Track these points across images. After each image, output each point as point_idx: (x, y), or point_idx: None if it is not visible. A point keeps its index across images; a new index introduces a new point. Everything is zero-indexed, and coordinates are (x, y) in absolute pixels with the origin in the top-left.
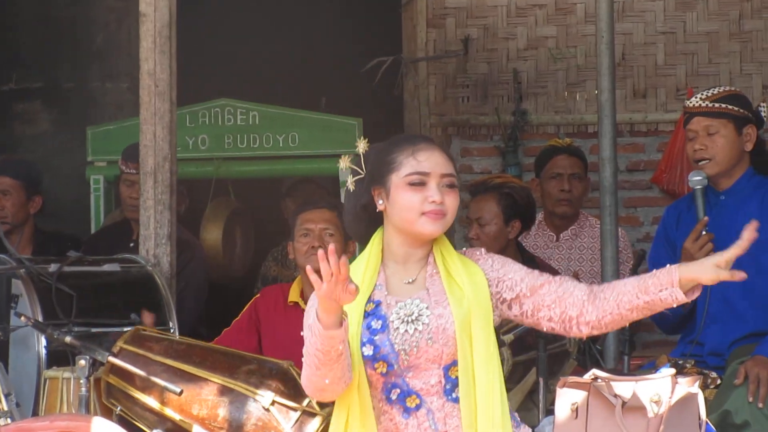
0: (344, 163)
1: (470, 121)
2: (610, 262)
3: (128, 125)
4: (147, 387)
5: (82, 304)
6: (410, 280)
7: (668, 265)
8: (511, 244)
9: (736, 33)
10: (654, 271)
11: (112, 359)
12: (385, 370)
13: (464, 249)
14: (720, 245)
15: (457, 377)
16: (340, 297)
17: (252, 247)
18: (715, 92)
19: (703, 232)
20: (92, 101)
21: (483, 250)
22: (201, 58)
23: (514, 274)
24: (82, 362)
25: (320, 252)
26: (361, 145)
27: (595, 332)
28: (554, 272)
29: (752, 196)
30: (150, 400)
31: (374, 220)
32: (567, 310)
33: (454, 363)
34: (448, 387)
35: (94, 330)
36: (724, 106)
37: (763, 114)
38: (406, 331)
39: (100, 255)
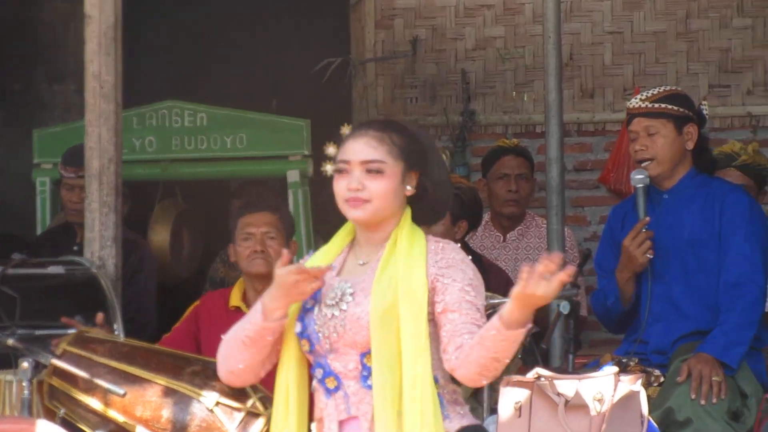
0: (332, 149)
1: (419, 122)
2: None
3: (75, 127)
4: (90, 389)
5: (26, 306)
6: (362, 263)
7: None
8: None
9: (683, 32)
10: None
11: (55, 361)
12: (308, 348)
13: (435, 238)
14: (661, 244)
15: (371, 365)
16: (295, 291)
17: (200, 249)
18: (654, 92)
19: (643, 230)
20: (39, 103)
21: (444, 243)
22: (148, 59)
23: (448, 281)
24: (25, 365)
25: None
26: (345, 130)
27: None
28: (501, 272)
29: (695, 195)
30: (93, 402)
31: None
32: (448, 347)
33: (370, 351)
34: (364, 374)
35: (38, 332)
36: (663, 105)
37: (704, 112)
38: (325, 314)
39: (44, 257)
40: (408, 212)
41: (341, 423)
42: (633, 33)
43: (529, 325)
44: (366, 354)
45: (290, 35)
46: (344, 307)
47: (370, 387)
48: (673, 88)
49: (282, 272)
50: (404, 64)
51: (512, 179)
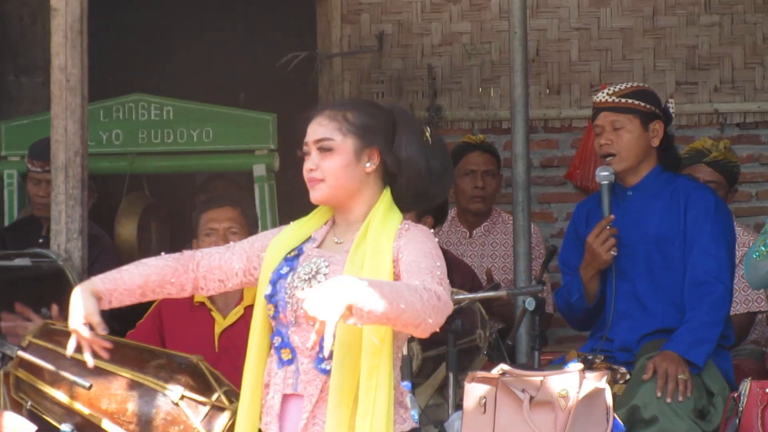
0: None
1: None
2: (523, 258)
3: (42, 120)
4: (56, 381)
5: None
6: (338, 241)
7: None
8: None
9: (650, 29)
10: None
11: (21, 353)
12: (272, 313)
13: (411, 223)
14: (626, 241)
15: (331, 351)
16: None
17: (167, 242)
18: (622, 88)
19: (608, 227)
20: (7, 95)
21: (415, 228)
22: (116, 53)
23: (407, 254)
24: None
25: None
26: None
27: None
28: (467, 268)
29: (661, 192)
30: (59, 395)
31: None
32: None
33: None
34: (320, 356)
35: (4, 324)
36: (630, 101)
37: (671, 110)
38: (297, 286)
39: (8, 250)
40: (386, 194)
41: (285, 396)
42: (600, 29)
43: (368, 309)
44: None
45: (257, 29)
46: (315, 285)
47: (322, 371)
48: (641, 84)
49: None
50: (370, 59)
51: (478, 175)
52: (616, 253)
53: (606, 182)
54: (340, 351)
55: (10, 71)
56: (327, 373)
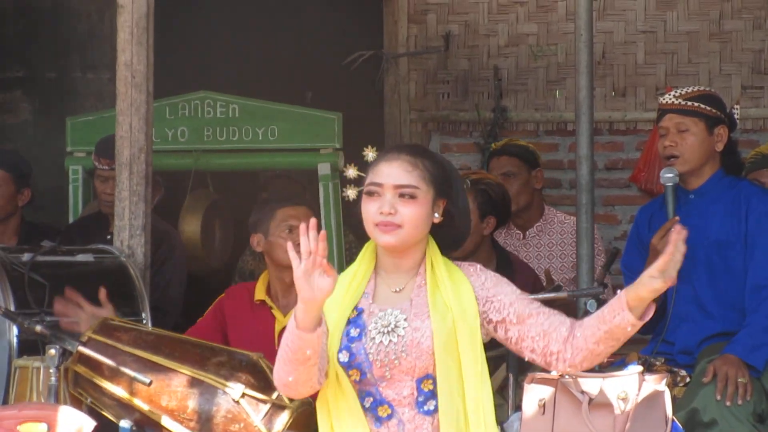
0: (353, 171)
1: (450, 117)
2: (586, 260)
3: (107, 116)
4: (115, 377)
5: (54, 293)
6: (398, 289)
7: (619, 291)
8: (485, 240)
9: (716, 33)
10: (610, 301)
11: (81, 348)
12: (358, 378)
13: (459, 263)
14: (688, 244)
15: (429, 390)
16: (317, 282)
17: (230, 240)
18: (689, 91)
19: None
20: (73, 91)
21: (479, 266)
22: (182, 50)
23: (504, 296)
24: (52, 351)
25: (302, 226)
26: (370, 154)
27: (572, 370)
28: (528, 270)
29: (722, 196)
30: (118, 390)
31: None
32: (550, 346)
33: (428, 376)
34: (420, 399)
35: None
36: (696, 104)
37: (736, 116)
38: (381, 341)
39: (76, 246)
40: (432, 241)
41: None
42: (666, 32)
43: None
44: (423, 379)
45: (325, 29)
46: (401, 333)
47: (426, 413)
48: (707, 88)
49: (297, 271)
50: (437, 59)
51: (499, 179)
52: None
53: (670, 184)
54: (445, 386)
55: (77, 67)
56: (431, 413)
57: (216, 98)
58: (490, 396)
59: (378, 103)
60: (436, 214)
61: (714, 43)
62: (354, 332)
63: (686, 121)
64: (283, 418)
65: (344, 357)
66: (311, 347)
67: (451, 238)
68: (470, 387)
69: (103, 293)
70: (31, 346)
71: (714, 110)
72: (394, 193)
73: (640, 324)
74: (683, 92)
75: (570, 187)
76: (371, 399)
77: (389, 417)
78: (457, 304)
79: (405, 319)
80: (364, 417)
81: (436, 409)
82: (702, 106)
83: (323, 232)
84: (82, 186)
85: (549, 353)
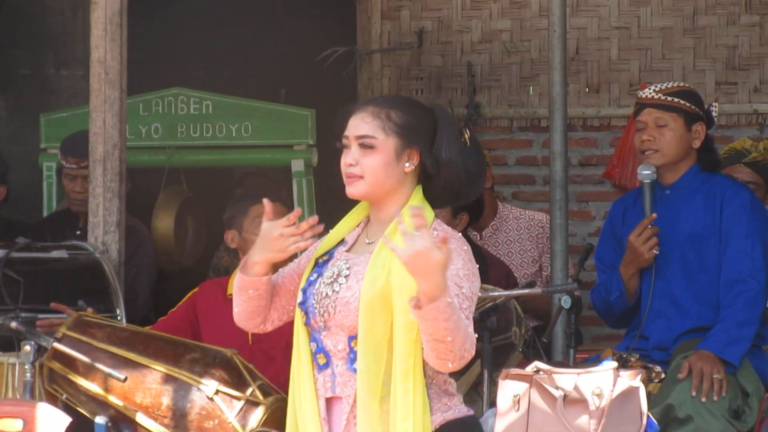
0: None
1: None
2: (560, 256)
3: (81, 113)
4: (90, 373)
5: (29, 290)
6: (369, 241)
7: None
8: None
9: (690, 29)
10: None
11: (56, 345)
12: (304, 320)
13: (440, 225)
14: (662, 240)
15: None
16: (275, 246)
17: (204, 237)
18: (668, 86)
19: (649, 226)
20: (46, 88)
21: (444, 231)
22: (156, 46)
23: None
24: (27, 348)
25: (265, 200)
26: None
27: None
28: (502, 265)
29: (697, 191)
30: (93, 387)
31: None
32: None
33: (356, 336)
34: (351, 356)
35: (41, 316)
36: (675, 100)
37: (714, 114)
38: (323, 292)
39: (45, 242)
40: (417, 191)
41: (327, 401)
42: (640, 28)
43: (447, 299)
44: (354, 338)
45: (298, 25)
46: (336, 288)
47: (355, 370)
48: (686, 85)
49: (268, 225)
50: (410, 56)
51: None
52: (658, 252)
53: (648, 181)
54: (364, 348)
55: (51, 64)
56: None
57: (189, 95)
58: (421, 364)
59: (352, 99)
60: (407, 164)
61: (688, 39)
62: (312, 276)
63: (665, 116)
64: (258, 415)
65: (300, 297)
66: (255, 289)
67: (440, 189)
68: (400, 354)
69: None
70: (6, 342)
71: (693, 107)
72: (357, 145)
73: (421, 312)
74: (663, 87)
75: (544, 183)
76: (315, 344)
77: (326, 366)
78: (399, 271)
79: (346, 276)
80: (310, 360)
81: None
82: (681, 101)
83: (298, 208)
84: (56, 182)
85: None
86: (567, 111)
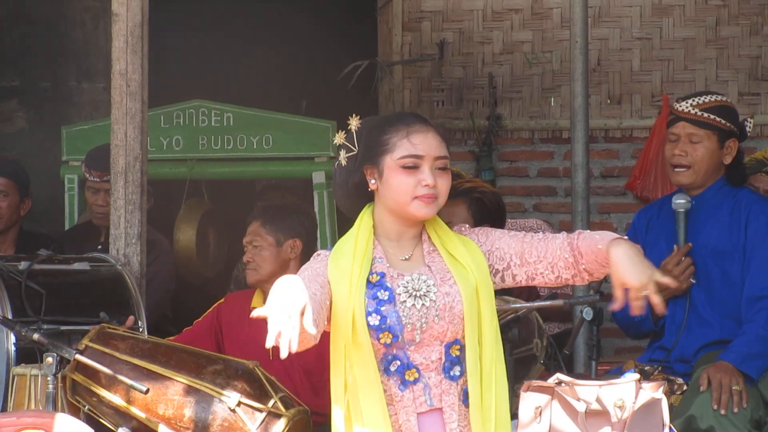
0: (339, 138)
1: (444, 125)
2: None
3: (102, 125)
4: (112, 385)
5: (51, 301)
6: (406, 257)
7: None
8: None
9: (713, 39)
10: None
11: (78, 357)
12: (389, 341)
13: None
14: (690, 251)
15: (456, 356)
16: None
17: (225, 249)
18: (705, 100)
19: (683, 259)
20: (68, 100)
21: (467, 225)
22: (177, 58)
23: (500, 243)
24: (50, 359)
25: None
26: (353, 122)
27: (587, 277)
28: None
29: (722, 204)
30: (115, 398)
31: (365, 196)
32: (561, 274)
33: (456, 342)
34: (447, 364)
35: (63, 328)
36: (711, 117)
37: (747, 129)
38: (413, 305)
39: (67, 254)
40: None
41: (420, 415)
42: (662, 39)
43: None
44: (451, 345)
45: (319, 37)
46: (433, 297)
47: (452, 378)
48: (724, 99)
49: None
50: (431, 67)
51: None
52: (693, 282)
53: (682, 210)
54: (470, 351)
55: (72, 76)
56: (456, 378)
57: (210, 107)
58: (503, 359)
59: (373, 111)
60: None
61: (710, 50)
62: (383, 295)
63: (699, 133)
64: (279, 427)
65: (374, 320)
66: None
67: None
68: (488, 347)
69: (131, 321)
70: (28, 354)
71: (728, 123)
72: (433, 165)
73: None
74: (700, 102)
75: (565, 194)
76: (398, 363)
77: (416, 381)
78: (476, 266)
79: (433, 284)
80: (380, 382)
81: (460, 374)
82: (717, 119)
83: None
84: (77, 195)
85: (564, 280)
86: (588, 122)
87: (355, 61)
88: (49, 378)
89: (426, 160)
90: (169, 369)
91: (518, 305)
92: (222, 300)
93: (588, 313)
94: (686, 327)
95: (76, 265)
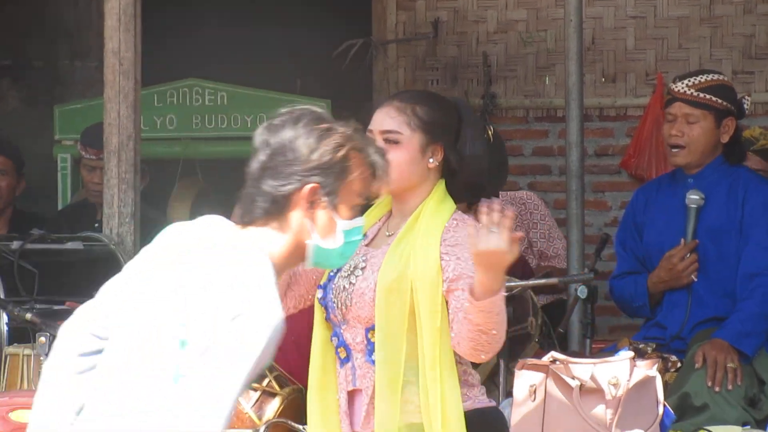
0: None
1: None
2: (576, 246)
3: (95, 104)
4: None
5: (44, 281)
6: (389, 234)
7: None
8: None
9: (707, 18)
10: None
11: None
12: (325, 315)
13: (460, 214)
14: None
15: (374, 341)
16: None
17: None
18: (701, 80)
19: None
20: (61, 79)
21: (462, 219)
22: (171, 37)
23: (453, 261)
24: (42, 339)
25: None
26: None
27: (460, 352)
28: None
29: (720, 183)
30: None
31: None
32: (452, 323)
33: (373, 327)
34: (369, 348)
35: (56, 307)
36: (708, 97)
37: (745, 107)
38: (341, 285)
39: (63, 234)
40: (440, 185)
41: (349, 393)
42: (656, 18)
43: (502, 294)
44: (370, 329)
45: (313, 15)
46: (353, 280)
47: (373, 362)
48: (721, 78)
49: None
50: (425, 46)
51: None
52: (696, 279)
53: (694, 206)
54: (382, 338)
55: (65, 55)
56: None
57: (204, 86)
58: (450, 352)
59: (367, 90)
60: (431, 160)
61: (704, 28)
62: (332, 272)
63: (695, 113)
64: (274, 405)
65: (319, 294)
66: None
67: (462, 185)
68: (428, 343)
69: None
70: (21, 333)
71: (724, 102)
72: (381, 139)
73: (474, 300)
74: (695, 81)
75: (560, 173)
76: (336, 339)
77: (347, 359)
78: (421, 256)
79: (362, 268)
80: (333, 355)
81: None
82: (713, 98)
83: None
84: (70, 174)
85: (450, 329)
86: (583, 101)
87: (350, 40)
88: (42, 358)
89: (375, 134)
90: None
91: (512, 284)
92: None
93: (582, 292)
94: (682, 305)
95: (69, 245)
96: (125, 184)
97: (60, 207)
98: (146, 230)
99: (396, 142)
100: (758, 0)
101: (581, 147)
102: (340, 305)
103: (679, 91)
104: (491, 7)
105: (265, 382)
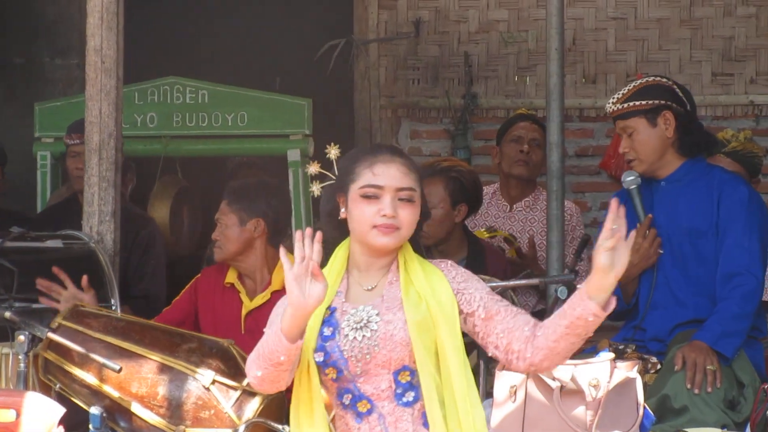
0: (314, 168)
1: (420, 104)
2: (556, 247)
3: (76, 102)
4: (85, 363)
5: (23, 279)
6: (370, 287)
7: (579, 286)
8: (457, 228)
9: (687, 20)
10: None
11: (51, 335)
12: (335, 376)
13: (431, 260)
14: (661, 231)
15: (407, 382)
16: (308, 288)
17: (199, 226)
18: (624, 92)
19: (647, 231)
20: (41, 77)
21: (450, 262)
22: (152, 35)
23: (474, 291)
24: (21, 338)
25: (297, 233)
26: (333, 152)
27: (533, 370)
28: (499, 256)
29: (694, 183)
30: (88, 377)
31: (344, 227)
32: (512, 344)
33: (404, 368)
34: (398, 392)
35: (35, 306)
36: (632, 103)
37: (677, 91)
38: (354, 338)
39: (50, 231)
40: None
41: None
42: (636, 19)
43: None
44: (399, 371)
45: (294, 14)
46: (374, 327)
47: (406, 404)
48: (643, 80)
49: (287, 277)
50: (407, 46)
51: (525, 141)
52: (662, 252)
53: (633, 186)
54: (423, 374)
55: (45, 53)
56: (410, 404)
57: (185, 84)
58: (474, 383)
59: (348, 89)
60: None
61: (684, 30)
62: (327, 331)
63: (629, 124)
64: (254, 405)
65: (319, 357)
66: (286, 355)
67: (419, 229)
68: (456, 375)
69: (85, 280)
70: (0, 332)
71: (650, 101)
72: (394, 196)
73: (603, 314)
74: (620, 95)
75: (540, 174)
76: (350, 396)
77: (369, 412)
78: (432, 295)
79: (377, 314)
80: (326, 420)
81: (415, 400)
82: (637, 103)
83: (319, 233)
84: (50, 172)
85: (510, 351)
86: (564, 101)
87: (330, 39)
88: (20, 356)
89: (387, 190)
90: (143, 347)
91: (494, 284)
92: (199, 275)
93: (563, 293)
94: (661, 306)
95: (49, 243)
96: (106, 182)
97: (39, 205)
98: (145, 228)
99: (411, 201)
100: (738, 2)
101: (561, 147)
102: (361, 356)
103: (610, 110)
104: (473, 7)
105: (245, 381)
